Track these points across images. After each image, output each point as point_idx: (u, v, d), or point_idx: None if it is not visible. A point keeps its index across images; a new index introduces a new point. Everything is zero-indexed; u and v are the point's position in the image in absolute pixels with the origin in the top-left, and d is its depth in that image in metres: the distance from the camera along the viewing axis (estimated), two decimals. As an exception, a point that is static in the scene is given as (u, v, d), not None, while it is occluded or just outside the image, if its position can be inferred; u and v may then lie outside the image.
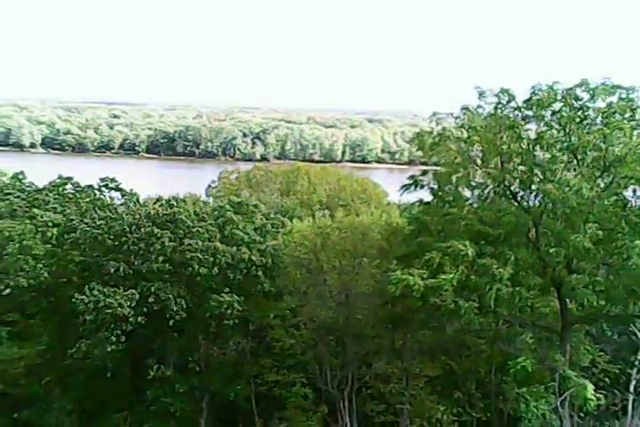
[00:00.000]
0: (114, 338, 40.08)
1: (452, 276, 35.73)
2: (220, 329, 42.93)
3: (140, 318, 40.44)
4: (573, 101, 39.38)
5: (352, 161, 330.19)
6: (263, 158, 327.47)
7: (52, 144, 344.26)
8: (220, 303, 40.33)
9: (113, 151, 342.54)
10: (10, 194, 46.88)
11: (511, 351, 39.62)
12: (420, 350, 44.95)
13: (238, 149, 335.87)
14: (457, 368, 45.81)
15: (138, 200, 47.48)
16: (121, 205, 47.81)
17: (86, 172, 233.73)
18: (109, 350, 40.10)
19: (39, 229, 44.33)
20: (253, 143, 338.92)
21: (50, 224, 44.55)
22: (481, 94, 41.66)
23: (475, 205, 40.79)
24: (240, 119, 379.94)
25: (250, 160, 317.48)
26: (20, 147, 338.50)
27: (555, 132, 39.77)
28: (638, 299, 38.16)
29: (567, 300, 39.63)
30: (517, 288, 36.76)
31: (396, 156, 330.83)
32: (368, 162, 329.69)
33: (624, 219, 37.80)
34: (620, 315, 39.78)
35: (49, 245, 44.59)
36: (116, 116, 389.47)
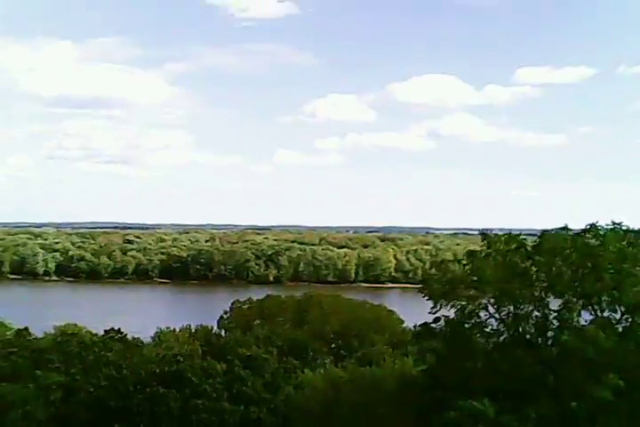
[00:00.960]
0: None
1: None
2: None
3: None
4: (583, 248, 38.97)
5: (366, 281, 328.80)
6: (276, 280, 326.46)
7: (66, 271, 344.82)
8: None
9: (126, 277, 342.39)
10: (13, 353, 45.99)
11: None
12: None
13: (251, 272, 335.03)
14: None
15: (143, 354, 46.21)
16: (127, 357, 46.46)
17: (98, 302, 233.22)
18: None
19: (42, 393, 43.16)
20: (266, 265, 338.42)
21: (53, 387, 43.45)
22: (489, 242, 41.42)
23: (489, 357, 39.70)
24: (252, 241, 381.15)
25: (263, 283, 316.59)
26: (33, 275, 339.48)
27: (566, 278, 39.19)
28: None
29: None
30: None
31: (410, 275, 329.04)
32: (382, 282, 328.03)
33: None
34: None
35: (52, 409, 43.26)
36: (129, 242, 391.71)
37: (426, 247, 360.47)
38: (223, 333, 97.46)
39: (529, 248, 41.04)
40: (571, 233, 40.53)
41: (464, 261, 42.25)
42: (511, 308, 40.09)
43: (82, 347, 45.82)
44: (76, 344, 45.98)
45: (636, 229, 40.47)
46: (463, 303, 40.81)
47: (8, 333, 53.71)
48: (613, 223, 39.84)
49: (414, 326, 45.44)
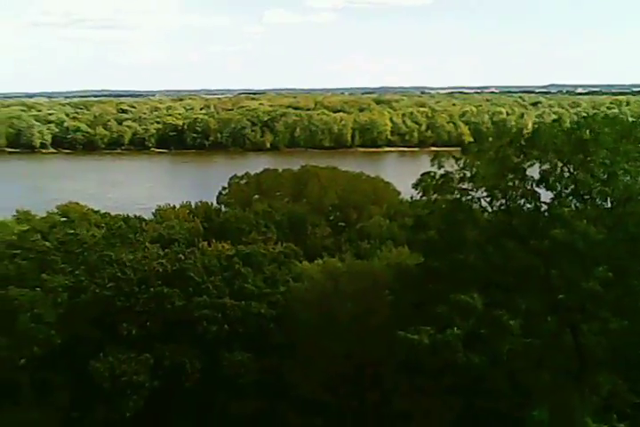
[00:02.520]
0: (131, 403, 40.26)
1: (458, 332, 35.73)
2: (237, 386, 42.84)
3: (156, 383, 40.58)
4: (577, 142, 39.00)
5: (362, 145, 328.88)
6: (273, 147, 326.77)
7: (63, 143, 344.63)
8: (233, 363, 40.38)
9: (123, 147, 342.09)
10: (17, 255, 46.89)
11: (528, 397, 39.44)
12: (439, 391, 44.53)
13: (248, 139, 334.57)
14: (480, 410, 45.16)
15: (145, 251, 47.13)
16: (131, 252, 47.34)
17: (98, 173, 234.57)
18: (128, 415, 40.28)
19: (49, 295, 44.47)
20: (262, 132, 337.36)
21: (60, 289, 44.68)
22: (480, 136, 41.47)
23: (482, 249, 40.57)
24: (248, 107, 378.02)
25: (260, 150, 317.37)
26: (30, 147, 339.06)
27: (558, 170, 39.46)
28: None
29: (582, 341, 39.41)
30: (530, 340, 36.65)
31: (406, 137, 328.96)
32: (378, 145, 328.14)
33: (635, 255, 37.64)
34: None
35: (60, 310, 44.71)
36: (124, 111, 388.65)
37: (422, 109, 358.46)
38: (223, 208, 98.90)
39: (522, 142, 40.89)
40: (565, 126, 40.37)
41: (458, 156, 42.20)
42: (503, 201, 40.55)
43: (84, 247, 46.74)
44: (79, 244, 46.86)
45: (630, 120, 40.31)
46: (457, 197, 41.23)
47: (14, 229, 54.40)
48: (608, 116, 39.65)
49: (411, 198, 45.72)
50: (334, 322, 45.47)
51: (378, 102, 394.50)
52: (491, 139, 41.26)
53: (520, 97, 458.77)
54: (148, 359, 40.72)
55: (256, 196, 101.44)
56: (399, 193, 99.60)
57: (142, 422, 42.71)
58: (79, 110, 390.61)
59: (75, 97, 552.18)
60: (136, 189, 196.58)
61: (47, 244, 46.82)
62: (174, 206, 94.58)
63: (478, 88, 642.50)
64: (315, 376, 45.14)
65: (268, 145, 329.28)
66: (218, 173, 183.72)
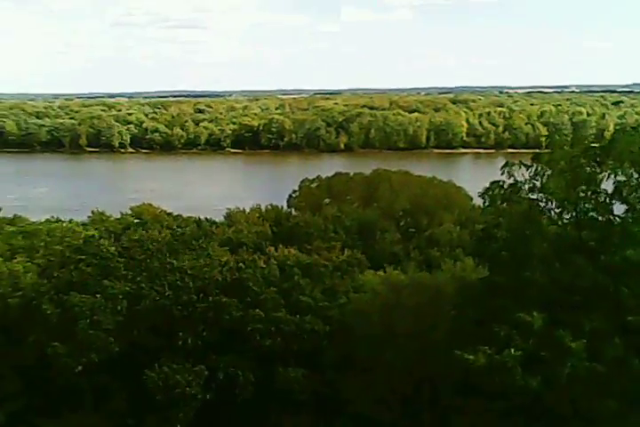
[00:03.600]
0: (182, 415, 39.85)
1: (519, 352, 34.16)
2: (291, 401, 42.05)
3: (208, 395, 40.08)
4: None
5: (437, 146, 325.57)
6: (347, 148, 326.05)
7: (141, 143, 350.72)
8: (287, 380, 39.58)
9: (199, 147, 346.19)
10: (82, 260, 47.04)
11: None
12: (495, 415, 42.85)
13: (322, 140, 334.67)
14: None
15: (207, 259, 46.62)
16: (195, 259, 46.96)
17: (174, 174, 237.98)
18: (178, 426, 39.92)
19: (109, 303, 44.36)
20: (337, 133, 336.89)
21: (120, 296, 44.55)
22: (554, 143, 39.69)
23: (548, 265, 38.81)
24: (322, 107, 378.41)
25: (334, 151, 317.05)
26: (110, 147, 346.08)
27: (634, 182, 37.44)
28: None
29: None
30: (592, 364, 34.77)
31: (482, 139, 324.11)
32: (453, 147, 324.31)
33: None
34: None
35: (120, 318, 44.58)
36: (200, 111, 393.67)
37: (499, 109, 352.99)
38: (293, 212, 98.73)
39: (596, 151, 38.94)
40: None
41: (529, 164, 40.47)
42: (574, 213, 38.77)
43: (147, 254, 46.59)
44: (142, 251, 46.72)
45: None
46: (525, 208, 39.60)
47: (82, 234, 54.82)
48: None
49: (483, 206, 43.96)
50: (394, 336, 44.29)
51: (454, 102, 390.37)
52: (565, 147, 39.41)
53: (601, 96, 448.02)
54: (202, 371, 40.25)
55: (326, 200, 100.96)
56: (471, 198, 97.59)
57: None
58: (157, 110, 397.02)
59: (154, 97, 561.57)
60: (211, 190, 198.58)
61: (112, 249, 46.87)
62: (244, 210, 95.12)
63: (558, 87, 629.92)
64: (371, 392, 44.06)
65: (343, 146, 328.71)
66: (291, 174, 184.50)
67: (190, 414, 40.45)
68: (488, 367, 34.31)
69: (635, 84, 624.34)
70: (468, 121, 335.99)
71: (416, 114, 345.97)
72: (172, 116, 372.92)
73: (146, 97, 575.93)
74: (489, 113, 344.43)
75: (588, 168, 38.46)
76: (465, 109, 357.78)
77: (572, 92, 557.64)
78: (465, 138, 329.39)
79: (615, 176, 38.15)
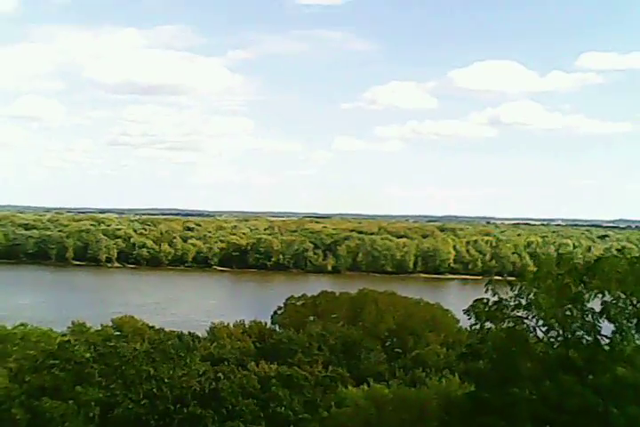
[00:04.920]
0: None
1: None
2: None
3: None
4: None
5: (424, 271, 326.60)
6: (335, 270, 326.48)
7: (128, 258, 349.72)
8: None
9: (186, 264, 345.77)
10: (55, 365, 46.06)
11: None
12: None
13: (309, 261, 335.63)
14: None
15: (184, 368, 45.76)
16: (171, 369, 46.18)
17: (159, 290, 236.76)
18: None
19: (81, 409, 43.19)
20: (325, 255, 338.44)
21: (92, 403, 43.41)
22: (539, 264, 40.07)
23: (536, 382, 38.37)
24: (311, 230, 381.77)
25: (321, 272, 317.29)
26: (96, 261, 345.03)
27: (621, 302, 37.56)
28: None
29: None
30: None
31: (469, 266, 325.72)
32: (441, 272, 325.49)
33: None
34: None
35: (92, 426, 43.23)
36: (189, 229, 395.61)
37: (486, 238, 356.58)
38: (277, 328, 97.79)
39: (582, 271, 39.33)
40: (628, 256, 38.79)
41: (514, 282, 40.73)
42: (561, 332, 38.66)
43: (123, 361, 45.69)
44: (118, 358, 45.84)
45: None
46: (510, 325, 39.52)
47: (55, 340, 53.92)
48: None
49: (470, 326, 43.84)
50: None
51: (442, 230, 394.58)
52: (551, 266, 39.76)
53: (587, 230, 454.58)
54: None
55: (311, 317, 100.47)
56: (458, 321, 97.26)
57: None
58: (147, 226, 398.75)
59: (144, 214, 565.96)
60: (197, 306, 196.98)
61: (87, 355, 45.96)
62: (228, 324, 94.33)
63: (544, 220, 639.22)
64: None
65: (330, 268, 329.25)
66: (277, 292, 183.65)
67: None
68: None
69: (620, 220, 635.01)
70: (455, 248, 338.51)
71: (404, 239, 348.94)
72: (161, 233, 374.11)
73: (136, 214, 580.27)
74: (476, 241, 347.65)
75: (574, 287, 38.66)
76: (452, 237, 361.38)
77: (559, 225, 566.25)
78: (452, 264, 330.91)
79: (602, 296, 38.39)
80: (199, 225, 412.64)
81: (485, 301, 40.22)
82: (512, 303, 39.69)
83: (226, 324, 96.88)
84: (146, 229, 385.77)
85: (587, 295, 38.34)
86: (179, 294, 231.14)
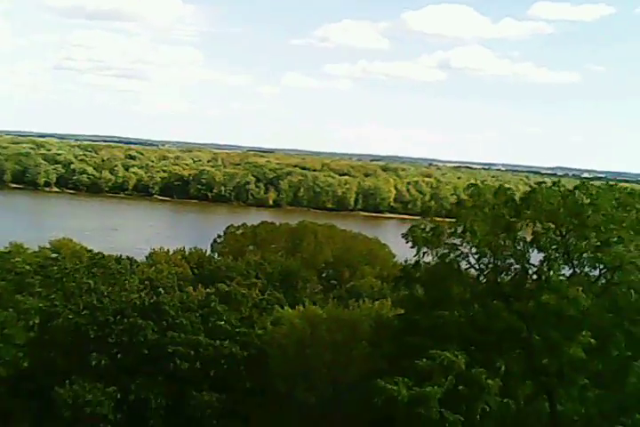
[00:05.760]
0: (91, 435, 39.13)
1: (437, 388, 34.75)
2: (203, 425, 41.61)
3: (119, 416, 39.49)
4: (573, 206, 38.62)
5: (364, 209, 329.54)
6: (276, 204, 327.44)
7: (67, 183, 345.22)
8: (200, 403, 39.31)
9: (127, 192, 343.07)
10: (-4, 277, 46.36)
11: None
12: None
13: (251, 194, 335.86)
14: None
15: (124, 284, 46.46)
16: (111, 283, 46.81)
17: (98, 216, 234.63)
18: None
19: (21, 317, 43.68)
20: (266, 189, 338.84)
21: (32, 312, 43.90)
22: (478, 193, 41.18)
23: (466, 306, 39.92)
24: (255, 163, 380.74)
25: (262, 206, 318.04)
26: (34, 185, 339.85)
27: (551, 233, 38.99)
28: (630, 416, 37.09)
29: (557, 407, 38.47)
30: (506, 400, 35.78)
31: (409, 206, 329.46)
32: (380, 211, 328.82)
33: (619, 326, 36.99)
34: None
35: (31, 333, 43.83)
36: (132, 157, 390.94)
37: (427, 179, 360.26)
38: (216, 256, 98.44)
39: (517, 202, 40.61)
40: (562, 189, 39.98)
41: (453, 209, 41.96)
42: (492, 259, 40.06)
43: (64, 273, 46.12)
44: (59, 270, 46.23)
45: (628, 188, 40.12)
46: (445, 251, 40.77)
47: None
48: (607, 183, 39.43)
49: (404, 261, 45.32)
50: (310, 371, 44.48)
51: (384, 169, 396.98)
52: (488, 195, 40.94)
53: (526, 176, 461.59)
54: (114, 392, 39.65)
55: (250, 247, 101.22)
56: (394, 256, 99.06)
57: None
58: (87, 153, 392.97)
59: (85, 140, 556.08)
60: (136, 233, 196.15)
61: (27, 267, 46.23)
62: (167, 251, 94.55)
63: (485, 164, 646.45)
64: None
65: (271, 202, 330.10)
66: (217, 222, 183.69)
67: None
68: (408, 399, 34.65)
69: (558, 168, 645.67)
70: (396, 187, 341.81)
71: (346, 177, 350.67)
72: (102, 160, 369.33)
73: (78, 139, 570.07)
74: (417, 182, 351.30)
75: (508, 217, 39.94)
76: (394, 177, 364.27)
77: (499, 170, 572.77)
78: (392, 203, 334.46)
79: (533, 226, 39.83)
80: (142, 154, 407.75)
81: (423, 226, 41.28)
82: (448, 231, 40.79)
83: (165, 250, 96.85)
84: (87, 156, 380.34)
85: (519, 224, 39.63)
86: (118, 221, 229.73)
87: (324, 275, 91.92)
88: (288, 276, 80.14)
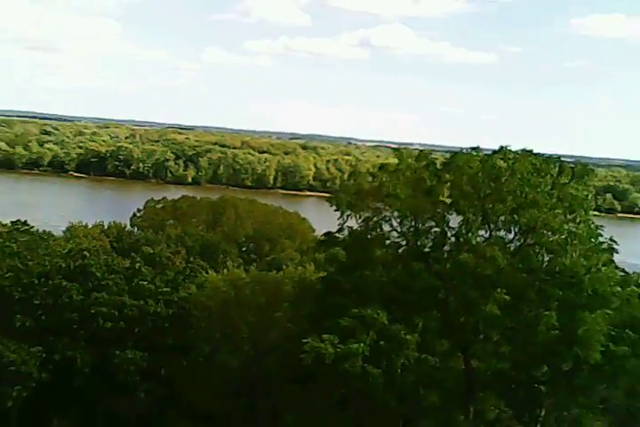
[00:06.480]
0: (15, 393, 39.12)
1: (362, 345, 35.89)
2: (127, 383, 41.99)
3: (44, 375, 39.58)
4: (490, 169, 39.93)
5: (284, 188, 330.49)
6: (195, 182, 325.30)
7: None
8: (124, 361, 39.69)
9: (42, 168, 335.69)
10: None
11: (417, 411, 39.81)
12: (330, 405, 44.21)
13: (170, 172, 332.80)
14: (366, 424, 45.17)
15: (48, 246, 46.28)
16: (32, 249, 46.51)
17: (9, 192, 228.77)
18: (10, 404, 39.13)
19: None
20: (186, 166, 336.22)
21: (-47, 275, 43.36)
22: (400, 157, 42.20)
23: (388, 267, 41.06)
24: (174, 140, 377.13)
25: (181, 183, 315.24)
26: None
27: (470, 197, 40.28)
28: (541, 366, 39.03)
29: (472, 362, 40.11)
30: (424, 355, 37.18)
31: (328, 184, 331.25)
32: (300, 189, 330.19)
33: (531, 285, 38.69)
34: (524, 379, 40.27)
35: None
36: (47, 133, 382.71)
37: (346, 158, 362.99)
38: (135, 231, 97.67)
39: (438, 166, 41.77)
40: (481, 154, 41.21)
41: (375, 173, 42.84)
42: (413, 222, 41.22)
43: (-16, 238, 45.64)
44: (-22, 235, 45.71)
45: (544, 154, 41.52)
46: (368, 215, 41.72)
47: None
48: (524, 150, 40.75)
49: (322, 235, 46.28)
50: (233, 333, 45.16)
51: (304, 148, 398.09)
52: (409, 160, 41.97)
53: (442, 155, 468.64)
54: (38, 351, 39.70)
55: (171, 221, 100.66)
56: (314, 230, 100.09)
57: (25, 416, 41.50)
58: (1, 128, 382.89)
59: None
60: (51, 209, 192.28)
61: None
62: (86, 225, 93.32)
63: (403, 144, 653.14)
64: (206, 388, 44.43)
65: (190, 179, 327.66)
66: (136, 199, 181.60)
67: (24, 393, 39.71)
68: (334, 356, 35.62)
69: (476, 148, 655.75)
70: (315, 166, 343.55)
71: (266, 155, 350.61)
72: (16, 135, 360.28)
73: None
74: (336, 160, 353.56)
75: (430, 181, 41.14)
76: (314, 155, 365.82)
77: (416, 149, 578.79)
78: (311, 182, 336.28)
79: (452, 190, 41.14)
80: (57, 129, 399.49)
81: (347, 189, 42.17)
82: (371, 194, 41.69)
83: (84, 224, 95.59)
84: (0, 131, 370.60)
85: (440, 188, 40.85)
86: (33, 197, 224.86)
87: (244, 249, 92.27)
88: (208, 249, 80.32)
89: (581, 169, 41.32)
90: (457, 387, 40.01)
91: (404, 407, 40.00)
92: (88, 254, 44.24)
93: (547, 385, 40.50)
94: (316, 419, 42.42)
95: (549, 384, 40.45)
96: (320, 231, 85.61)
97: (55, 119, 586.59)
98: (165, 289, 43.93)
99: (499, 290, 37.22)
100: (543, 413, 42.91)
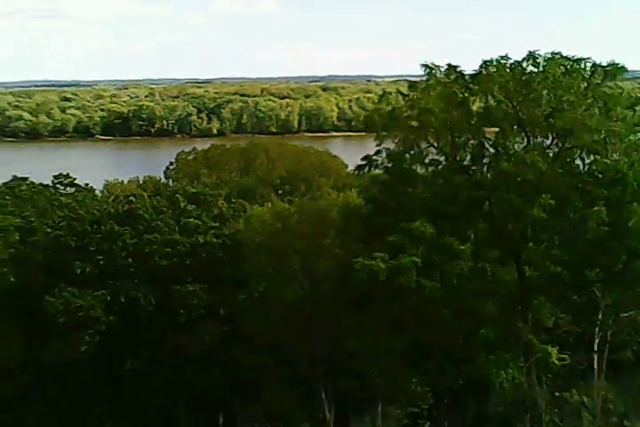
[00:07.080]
0: (87, 338, 40.58)
1: (414, 258, 36.47)
2: (190, 319, 43.27)
3: (111, 318, 40.97)
4: (521, 76, 39.85)
5: (309, 131, 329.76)
6: (220, 133, 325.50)
7: (5, 131, 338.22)
8: (185, 295, 40.92)
9: (67, 135, 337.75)
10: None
11: (475, 322, 40.54)
12: (388, 325, 45.13)
13: (194, 126, 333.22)
14: (425, 340, 46.07)
15: (95, 197, 47.35)
16: (79, 201, 47.64)
17: (42, 160, 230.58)
18: (83, 349, 40.59)
19: (0, 235, 44.32)
20: (209, 119, 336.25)
21: (11, 228, 44.53)
22: (429, 72, 42.13)
23: (430, 183, 41.45)
24: (193, 94, 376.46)
25: (206, 136, 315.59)
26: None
27: (503, 106, 40.34)
28: (593, 266, 39.50)
29: (525, 269, 40.64)
30: (480, 263, 37.70)
31: (352, 123, 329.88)
32: (325, 131, 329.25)
33: (575, 188, 38.95)
34: (578, 281, 40.82)
35: (12, 250, 44.61)
36: (67, 99, 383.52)
37: (367, 95, 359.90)
38: (170, 183, 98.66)
39: (467, 78, 41.65)
40: (510, 62, 40.94)
41: (406, 93, 42.90)
42: (449, 137, 41.40)
43: (34, 191, 46.69)
44: (27, 188, 46.79)
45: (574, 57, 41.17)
46: (404, 134, 41.93)
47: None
48: (552, 53, 40.43)
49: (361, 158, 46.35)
50: (285, 265, 45.93)
51: (324, 89, 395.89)
52: (438, 75, 41.92)
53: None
54: (103, 295, 41.03)
55: (204, 170, 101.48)
56: (347, 166, 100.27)
57: (97, 360, 42.96)
58: (21, 99, 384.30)
59: (17, 87, 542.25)
60: (83, 174, 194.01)
61: (-5, 191, 46.58)
62: (122, 181, 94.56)
63: (419, 76, 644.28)
64: (266, 322, 45.36)
65: (215, 131, 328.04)
66: (165, 155, 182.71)
67: (95, 338, 41.21)
68: (388, 272, 36.32)
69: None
70: (338, 106, 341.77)
71: (287, 100, 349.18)
72: (37, 104, 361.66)
73: (8, 87, 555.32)
74: (358, 98, 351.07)
75: (460, 93, 41.19)
76: (335, 96, 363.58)
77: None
78: (336, 122, 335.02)
79: (485, 101, 41.20)
80: (76, 95, 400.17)
81: (380, 112, 42.35)
82: (404, 114, 41.80)
83: (120, 180, 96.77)
84: (20, 102, 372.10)
85: (471, 100, 40.91)
86: (64, 163, 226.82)
87: (280, 191, 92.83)
88: (246, 194, 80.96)
89: (613, 68, 40.90)
90: (513, 295, 40.66)
91: (461, 321, 40.47)
92: (134, 199, 45.18)
93: (601, 285, 41.10)
94: (376, 341, 43.34)
95: (603, 284, 41.07)
96: (352, 168, 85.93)
97: (73, 85, 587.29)
98: (214, 224, 44.85)
99: (543, 195, 37.41)
100: (600, 316, 43.65)
